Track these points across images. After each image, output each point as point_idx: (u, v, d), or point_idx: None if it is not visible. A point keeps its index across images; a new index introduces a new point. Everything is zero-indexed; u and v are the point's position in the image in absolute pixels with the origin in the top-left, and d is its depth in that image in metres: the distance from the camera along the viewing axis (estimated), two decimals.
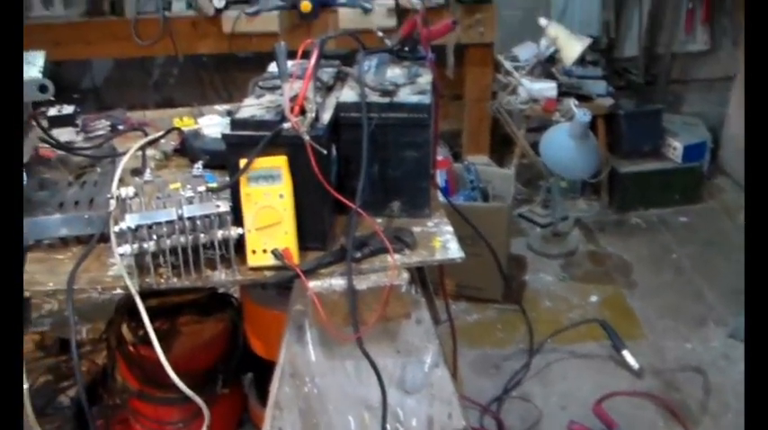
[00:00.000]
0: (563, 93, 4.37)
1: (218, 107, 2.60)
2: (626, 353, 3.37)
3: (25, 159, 1.88)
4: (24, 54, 1.89)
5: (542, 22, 4.28)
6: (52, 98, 1.83)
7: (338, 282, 1.71)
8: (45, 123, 2.22)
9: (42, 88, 1.80)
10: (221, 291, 2.40)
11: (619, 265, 4.16)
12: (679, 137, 4.68)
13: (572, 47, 4.20)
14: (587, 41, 4.25)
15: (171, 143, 2.31)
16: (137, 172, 2.10)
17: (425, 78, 1.98)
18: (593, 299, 3.86)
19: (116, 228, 1.68)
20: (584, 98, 4.39)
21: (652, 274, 4.07)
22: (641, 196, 4.66)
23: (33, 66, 1.85)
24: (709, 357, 3.43)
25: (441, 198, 2.15)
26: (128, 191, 1.74)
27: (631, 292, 3.92)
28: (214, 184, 1.78)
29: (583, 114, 3.74)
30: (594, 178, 4.45)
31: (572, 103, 4.23)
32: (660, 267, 4.13)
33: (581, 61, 4.41)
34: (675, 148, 4.64)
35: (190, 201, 1.71)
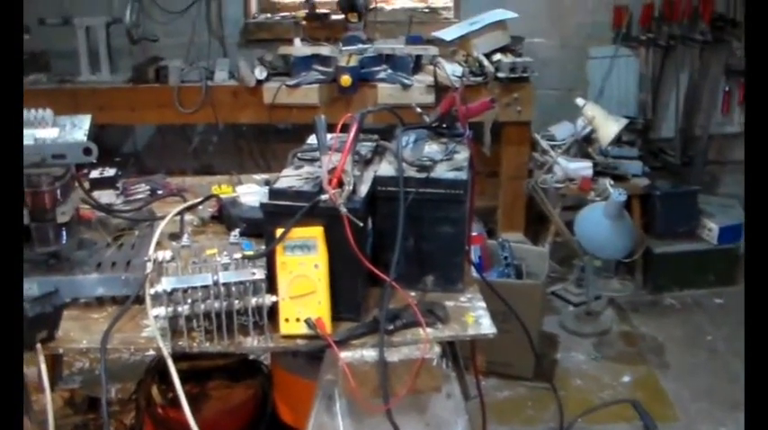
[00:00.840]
0: (599, 172, 4.37)
1: (256, 176, 2.64)
2: None
3: (66, 219, 1.92)
4: (71, 117, 1.95)
5: (579, 101, 4.31)
6: (95, 161, 1.88)
7: (370, 354, 1.71)
8: (87, 185, 2.27)
9: (87, 151, 1.85)
10: (252, 357, 2.40)
11: (652, 346, 4.10)
12: (715, 218, 4.65)
13: (609, 127, 4.22)
14: (624, 122, 4.27)
15: (209, 209, 2.34)
16: (174, 236, 2.13)
17: (462, 155, 2.00)
18: (626, 379, 3.80)
19: (152, 291, 1.71)
20: (619, 178, 4.39)
21: (686, 356, 4.00)
22: (676, 277, 4.61)
23: (79, 129, 1.91)
24: None
25: (474, 274, 2.16)
26: (165, 254, 1.77)
27: (665, 374, 3.85)
28: (250, 252, 1.80)
29: (618, 194, 3.74)
30: (629, 258, 4.42)
31: (608, 182, 4.24)
32: (694, 349, 4.06)
33: (617, 141, 4.42)
34: (711, 230, 4.61)
35: (225, 267, 1.73)
